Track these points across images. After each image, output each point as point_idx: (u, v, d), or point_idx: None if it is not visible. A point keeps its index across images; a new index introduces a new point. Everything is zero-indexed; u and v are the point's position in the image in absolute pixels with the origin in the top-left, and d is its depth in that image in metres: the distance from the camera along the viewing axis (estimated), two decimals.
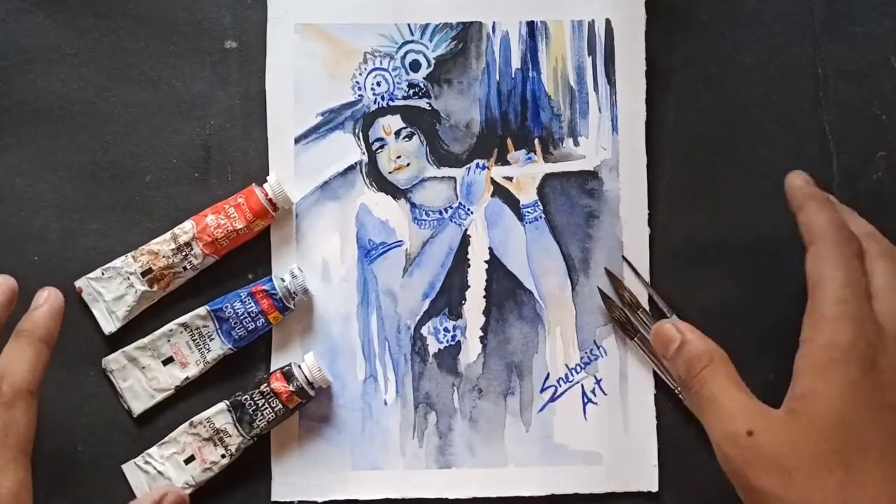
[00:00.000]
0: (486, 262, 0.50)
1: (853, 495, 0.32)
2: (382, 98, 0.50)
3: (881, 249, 0.39)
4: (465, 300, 0.49)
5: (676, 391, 0.48)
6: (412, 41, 0.50)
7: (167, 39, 0.50)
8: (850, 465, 0.33)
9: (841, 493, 0.33)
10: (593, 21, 0.50)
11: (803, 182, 0.41)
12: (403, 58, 0.50)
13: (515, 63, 0.50)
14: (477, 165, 0.50)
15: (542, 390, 0.49)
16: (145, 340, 0.48)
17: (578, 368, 0.49)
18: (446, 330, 0.49)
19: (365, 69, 0.50)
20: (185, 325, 0.48)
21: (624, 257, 0.49)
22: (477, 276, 0.50)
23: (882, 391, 0.34)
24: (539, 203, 0.50)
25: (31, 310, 0.41)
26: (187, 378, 0.48)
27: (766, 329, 0.49)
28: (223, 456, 0.47)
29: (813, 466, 0.33)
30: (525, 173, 0.50)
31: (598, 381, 0.49)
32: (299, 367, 0.47)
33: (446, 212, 0.50)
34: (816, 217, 0.39)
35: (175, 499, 0.41)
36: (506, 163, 0.50)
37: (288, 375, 0.47)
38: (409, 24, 0.50)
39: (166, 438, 0.47)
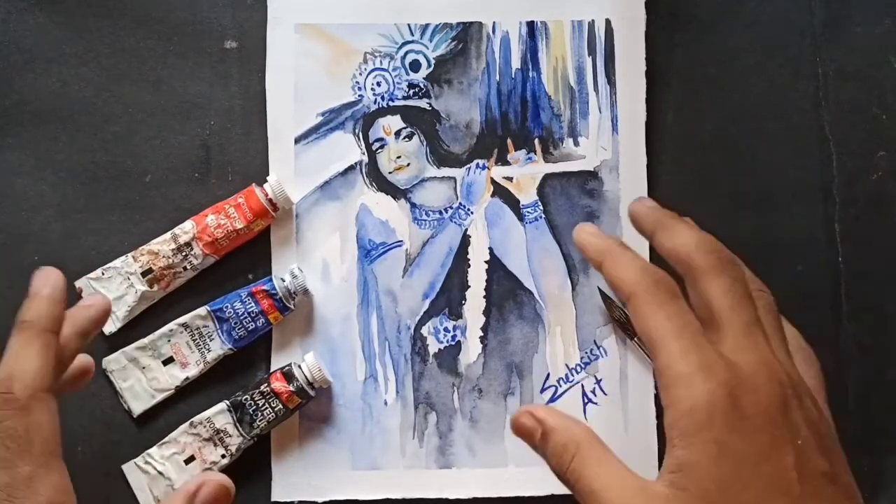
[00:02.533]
0: (486, 262, 0.50)
1: None
2: (382, 98, 0.50)
3: (708, 263, 0.35)
4: (466, 300, 0.49)
5: None
6: (412, 41, 0.50)
7: (167, 39, 0.50)
8: None
9: None
10: (593, 21, 0.50)
11: (591, 235, 0.37)
12: (403, 58, 0.50)
13: (515, 63, 0.50)
14: (477, 165, 0.50)
15: (543, 390, 0.49)
16: (145, 340, 0.48)
17: (578, 368, 0.49)
18: (446, 330, 0.49)
19: (365, 69, 0.50)
20: (185, 325, 0.48)
21: None
22: (477, 276, 0.50)
23: (752, 439, 0.32)
24: (539, 203, 0.50)
25: (31, 296, 0.37)
26: (187, 378, 0.48)
27: None
28: (223, 456, 0.47)
29: None
30: (525, 173, 0.50)
31: (598, 382, 0.49)
32: (299, 367, 0.47)
33: (446, 212, 0.50)
34: (616, 271, 0.35)
35: (213, 489, 0.38)
36: (506, 163, 0.50)
37: (288, 375, 0.47)
38: (409, 24, 0.50)
39: (166, 438, 0.47)
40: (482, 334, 0.49)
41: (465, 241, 0.50)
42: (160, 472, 0.47)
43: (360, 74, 0.50)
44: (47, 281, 0.37)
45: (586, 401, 0.49)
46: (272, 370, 0.48)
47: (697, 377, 0.32)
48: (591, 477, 0.34)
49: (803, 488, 0.31)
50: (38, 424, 0.34)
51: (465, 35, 0.50)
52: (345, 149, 0.50)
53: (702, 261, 0.35)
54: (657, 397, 0.49)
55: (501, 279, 0.50)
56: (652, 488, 0.32)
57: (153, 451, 0.47)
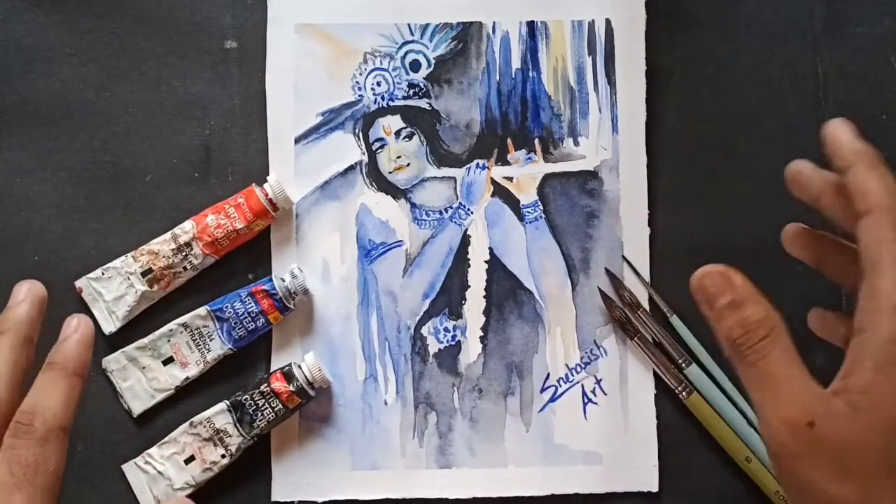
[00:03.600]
0: (486, 262, 0.50)
1: None
2: (382, 98, 0.50)
3: None
4: (466, 300, 0.49)
5: (676, 391, 0.48)
6: (412, 41, 0.50)
7: (167, 39, 0.50)
8: None
9: (893, 497, 0.31)
10: (593, 21, 0.50)
11: (849, 136, 0.35)
12: (403, 58, 0.50)
13: (515, 63, 0.50)
14: (477, 165, 0.50)
15: (543, 390, 0.49)
16: (145, 340, 0.48)
17: (578, 368, 0.49)
18: (446, 330, 0.49)
19: (365, 69, 0.50)
20: (185, 325, 0.48)
21: (624, 257, 0.49)
22: (477, 276, 0.50)
23: None
24: (539, 203, 0.50)
25: (60, 340, 0.38)
26: (187, 378, 0.48)
27: None
28: (223, 456, 0.47)
29: (870, 468, 0.31)
30: (525, 173, 0.50)
31: (598, 381, 0.49)
32: (299, 367, 0.47)
33: (446, 212, 0.50)
34: (870, 182, 0.33)
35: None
36: (506, 163, 0.50)
37: (288, 375, 0.47)
38: (409, 24, 0.50)
39: (166, 438, 0.47)
40: (482, 334, 0.49)
41: (465, 241, 0.50)
42: (160, 472, 0.47)
43: (360, 74, 0.50)
44: (77, 327, 0.38)
45: (586, 401, 0.49)
46: (272, 370, 0.48)
47: None
48: (778, 363, 0.33)
49: None
50: (46, 459, 0.35)
51: (465, 35, 0.50)
52: (345, 149, 0.50)
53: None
54: (657, 397, 0.49)
55: (501, 279, 0.50)
56: (834, 403, 0.32)
57: (153, 451, 0.47)
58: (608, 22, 0.50)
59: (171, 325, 0.48)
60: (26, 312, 0.37)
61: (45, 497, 0.34)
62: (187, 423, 0.47)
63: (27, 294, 0.37)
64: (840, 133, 0.35)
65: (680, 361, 0.48)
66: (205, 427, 0.47)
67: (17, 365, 0.36)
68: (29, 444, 0.34)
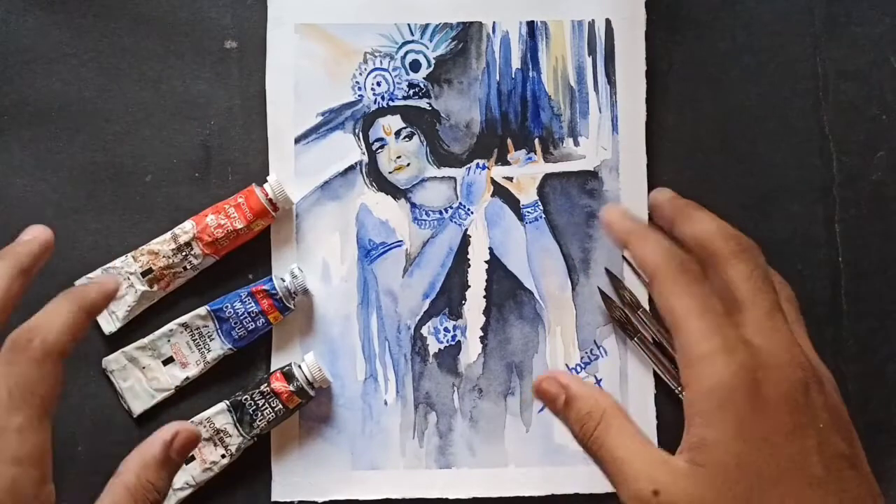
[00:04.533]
0: (486, 262, 0.50)
1: None
2: (382, 98, 0.50)
3: (729, 248, 0.36)
4: (466, 300, 0.49)
5: (677, 391, 0.48)
6: (412, 41, 0.50)
7: (167, 39, 0.50)
8: None
9: None
10: (593, 21, 0.50)
11: (619, 216, 0.39)
12: (403, 58, 0.50)
13: (515, 63, 0.50)
14: (477, 165, 0.50)
15: None
16: (145, 340, 0.48)
17: (578, 368, 0.49)
18: (446, 330, 0.49)
19: (365, 69, 0.50)
20: (185, 325, 0.48)
21: (624, 257, 0.49)
22: (477, 276, 0.50)
23: (773, 423, 0.32)
24: (539, 203, 0.50)
25: (86, 284, 0.39)
26: (187, 378, 0.48)
27: None
28: (223, 456, 0.47)
29: None
30: (525, 173, 0.50)
31: (598, 381, 0.49)
32: (299, 367, 0.47)
33: (446, 212, 0.50)
34: (642, 251, 0.37)
35: (187, 437, 0.39)
36: (506, 163, 0.50)
37: (288, 375, 0.47)
38: (409, 24, 0.50)
39: None
40: (482, 334, 0.49)
41: (465, 241, 0.50)
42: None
43: (360, 74, 0.50)
44: (100, 281, 0.39)
45: None
46: (272, 370, 0.48)
47: (719, 357, 0.33)
48: (615, 446, 0.34)
49: (824, 470, 0.32)
50: (43, 379, 0.35)
51: (465, 35, 0.50)
52: (345, 149, 0.50)
53: (723, 246, 0.36)
54: (657, 397, 0.49)
55: (501, 279, 0.50)
56: (674, 462, 0.33)
57: None
58: (608, 22, 0.50)
59: (171, 325, 0.48)
60: (27, 245, 0.38)
61: (43, 418, 0.35)
62: None
63: (34, 233, 0.39)
64: (610, 215, 0.39)
65: None
66: (205, 427, 0.47)
67: (9, 291, 0.36)
68: (27, 363, 0.35)
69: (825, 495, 0.32)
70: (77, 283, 0.48)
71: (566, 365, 0.49)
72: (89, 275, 0.48)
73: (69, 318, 0.36)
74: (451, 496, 0.48)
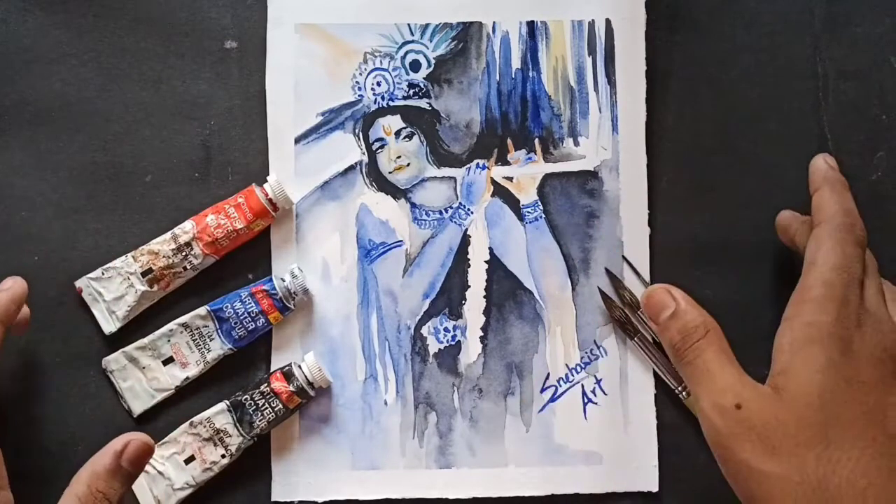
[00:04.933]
0: (486, 262, 0.50)
1: (829, 471, 0.33)
2: (382, 98, 0.50)
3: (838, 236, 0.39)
4: (466, 300, 0.49)
5: (677, 391, 0.48)
6: (412, 41, 0.50)
7: (167, 39, 0.50)
8: (828, 440, 0.34)
9: (819, 468, 0.33)
10: (593, 21, 0.50)
11: (826, 165, 0.42)
12: (403, 58, 0.50)
13: (515, 63, 0.50)
14: (477, 165, 0.50)
15: (543, 390, 0.49)
16: (145, 340, 0.48)
17: (578, 368, 0.49)
18: (446, 330, 0.49)
19: (365, 69, 0.50)
20: (185, 325, 0.48)
21: (624, 257, 0.49)
22: (477, 276, 0.50)
23: (858, 371, 0.35)
24: (539, 203, 0.50)
25: None
26: (187, 378, 0.48)
27: (766, 328, 0.49)
28: (223, 456, 0.47)
29: (794, 442, 0.34)
30: (525, 173, 0.50)
31: (598, 381, 0.49)
32: (299, 367, 0.47)
33: (446, 212, 0.50)
34: (827, 200, 0.40)
35: (138, 447, 0.39)
36: (506, 163, 0.50)
37: (288, 375, 0.47)
38: (409, 24, 0.50)
39: (166, 438, 0.47)
40: (482, 334, 0.49)
41: (465, 241, 0.50)
42: (160, 472, 0.47)
43: (360, 74, 0.50)
44: (11, 286, 0.43)
45: (586, 401, 0.49)
46: (272, 370, 0.48)
47: (828, 305, 0.36)
48: (712, 358, 0.37)
49: None
50: None
51: (465, 35, 0.50)
52: (345, 149, 0.50)
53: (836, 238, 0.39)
54: (657, 397, 0.49)
55: (501, 279, 0.50)
56: (760, 387, 0.36)
57: None
58: (608, 22, 0.50)
59: (171, 325, 0.48)
60: (4, 298, 0.41)
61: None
62: (187, 423, 0.47)
63: (8, 285, 0.42)
64: (818, 162, 0.43)
65: None
66: (205, 427, 0.47)
67: None
68: None
69: (893, 450, 0.34)
70: (77, 283, 0.48)
71: (566, 365, 0.49)
72: (90, 275, 0.48)
73: None
74: (451, 496, 0.48)
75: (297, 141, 0.50)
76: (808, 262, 0.38)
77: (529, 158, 0.50)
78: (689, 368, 0.38)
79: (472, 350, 0.49)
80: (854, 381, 0.35)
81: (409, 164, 0.50)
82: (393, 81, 0.50)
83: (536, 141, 0.50)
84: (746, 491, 0.35)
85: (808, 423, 0.34)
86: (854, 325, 0.36)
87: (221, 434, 0.47)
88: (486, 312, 0.49)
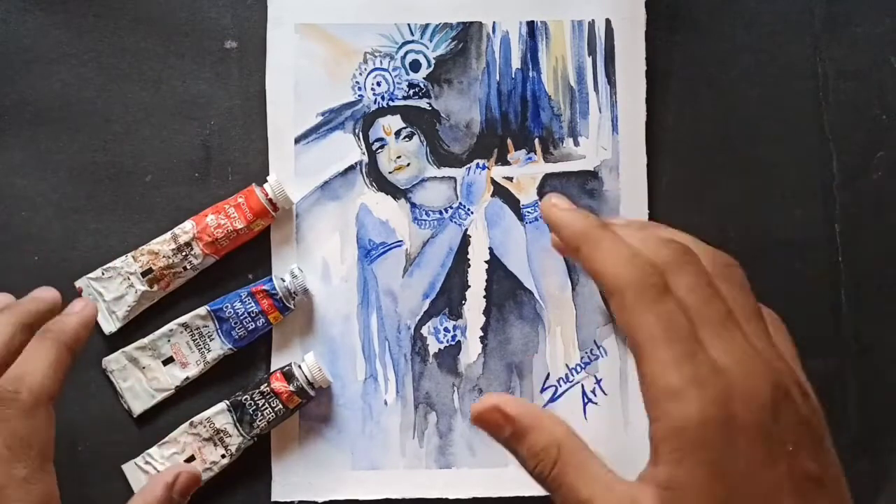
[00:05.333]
0: (486, 262, 0.50)
1: None
2: (382, 98, 0.50)
3: (667, 259, 0.32)
4: (466, 300, 0.49)
5: None
6: (412, 41, 0.50)
7: (167, 39, 0.50)
8: None
9: None
10: (593, 21, 0.50)
11: (567, 212, 0.33)
12: (403, 58, 0.50)
13: (515, 63, 0.50)
14: (477, 165, 0.50)
15: (543, 390, 0.49)
16: (145, 340, 0.48)
17: (578, 368, 0.49)
18: (446, 330, 0.49)
19: (365, 69, 0.50)
20: (185, 325, 0.48)
21: None
22: (477, 276, 0.50)
23: (746, 455, 0.30)
24: (539, 203, 0.50)
25: (61, 315, 0.39)
26: (187, 378, 0.48)
27: None
28: (223, 456, 0.47)
29: None
30: (525, 173, 0.50)
31: (598, 381, 0.49)
32: (299, 367, 0.47)
33: (446, 212, 0.50)
34: (597, 262, 0.32)
35: (188, 479, 0.40)
36: (506, 163, 0.50)
37: (288, 375, 0.47)
38: (409, 24, 0.50)
39: (166, 438, 0.47)
40: (482, 334, 0.49)
41: (466, 241, 0.50)
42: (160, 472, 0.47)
43: (360, 74, 0.50)
44: (83, 309, 0.39)
45: (586, 401, 0.49)
46: (272, 370, 0.48)
47: (690, 392, 0.29)
48: (577, 486, 0.32)
49: (795, 497, 0.30)
50: (37, 429, 0.35)
51: (465, 35, 0.50)
52: (345, 149, 0.50)
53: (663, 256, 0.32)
54: None
55: (501, 279, 0.50)
56: (641, 497, 0.30)
57: (153, 451, 0.47)
58: (608, 22, 0.50)
59: (171, 325, 0.48)
60: (34, 303, 0.38)
61: (44, 465, 0.35)
62: (187, 423, 0.47)
63: (41, 293, 0.39)
64: (556, 213, 0.33)
65: None
66: (205, 427, 0.47)
67: (9, 345, 0.36)
68: (19, 416, 0.35)
69: None
70: (77, 283, 0.48)
71: (566, 365, 0.49)
72: (89, 275, 0.48)
73: (52, 359, 0.36)
74: (451, 496, 0.48)
75: (297, 141, 0.50)
76: (633, 348, 0.31)
77: (529, 158, 0.50)
78: (558, 497, 0.33)
79: (472, 350, 0.49)
80: (743, 475, 0.30)
81: (409, 164, 0.50)
82: (393, 81, 0.50)
83: (536, 141, 0.50)
84: None
85: None
86: (724, 393, 0.30)
87: (221, 434, 0.47)
88: (486, 312, 0.49)
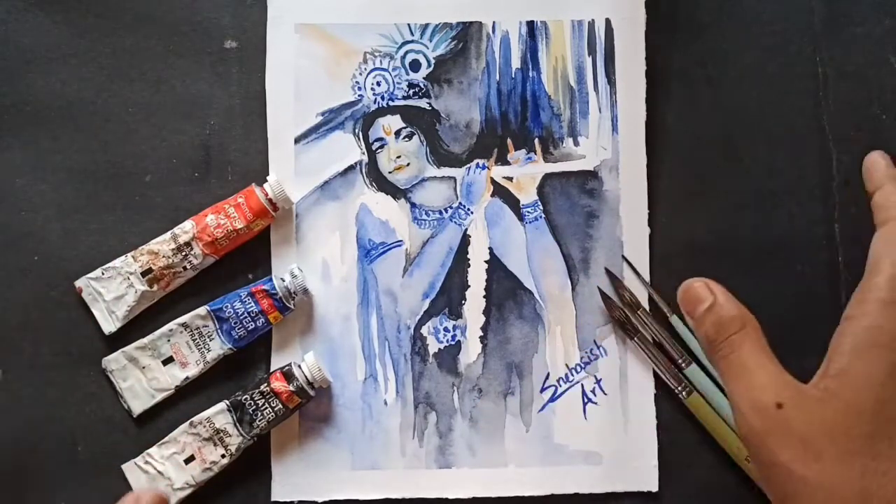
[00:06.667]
0: (486, 261, 0.50)
1: (874, 484, 0.32)
2: (382, 98, 0.50)
3: None
4: (465, 300, 0.49)
5: (676, 391, 0.48)
6: (412, 41, 0.50)
7: (167, 39, 0.50)
8: (876, 452, 0.32)
9: (864, 480, 0.32)
10: (593, 21, 0.50)
11: (884, 162, 0.40)
12: (403, 58, 0.50)
13: (515, 63, 0.50)
14: (477, 165, 0.50)
15: (542, 390, 0.49)
16: (145, 340, 0.48)
17: (578, 368, 0.49)
18: (446, 330, 0.49)
19: (365, 69, 0.50)
20: (185, 325, 0.48)
21: (624, 257, 0.49)
22: (477, 276, 0.50)
23: None
24: (539, 203, 0.50)
25: None
26: (187, 378, 0.48)
27: (766, 329, 0.49)
28: (223, 456, 0.47)
29: (840, 449, 0.32)
30: (525, 173, 0.50)
31: (598, 381, 0.49)
32: (299, 367, 0.47)
33: (446, 212, 0.50)
34: (892, 197, 0.37)
35: (152, 499, 0.40)
36: (506, 163, 0.50)
37: (288, 375, 0.47)
38: (409, 24, 0.50)
39: (166, 438, 0.47)
40: (482, 334, 0.49)
41: (465, 240, 0.50)
42: (160, 472, 0.47)
43: (360, 74, 0.50)
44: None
45: (586, 400, 0.49)
46: (272, 370, 0.48)
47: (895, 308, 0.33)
48: (748, 352, 0.35)
49: None
50: None
51: (465, 35, 0.50)
52: (345, 149, 0.50)
53: None
54: (657, 397, 0.49)
55: (501, 279, 0.50)
56: (804, 388, 0.34)
57: (153, 450, 0.47)
58: (608, 22, 0.50)
59: (171, 325, 0.48)
60: None
61: None
62: (187, 423, 0.47)
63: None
64: (877, 159, 0.40)
65: (680, 361, 0.48)
66: (205, 427, 0.47)
67: None
68: None
69: None
70: (77, 283, 0.48)
71: (566, 365, 0.49)
72: (89, 275, 0.48)
73: None
74: (451, 496, 0.48)
75: (297, 141, 0.50)
76: (872, 261, 0.36)
77: (529, 158, 0.50)
78: (724, 363, 0.36)
79: (471, 350, 0.49)
80: None
81: (408, 164, 0.50)
82: (393, 81, 0.50)
83: (536, 141, 0.50)
84: (781, 493, 0.33)
85: (857, 433, 0.32)
86: None
87: (221, 434, 0.47)
88: (486, 312, 0.49)
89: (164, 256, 0.48)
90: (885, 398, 0.32)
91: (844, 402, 0.33)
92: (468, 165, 0.50)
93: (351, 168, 0.50)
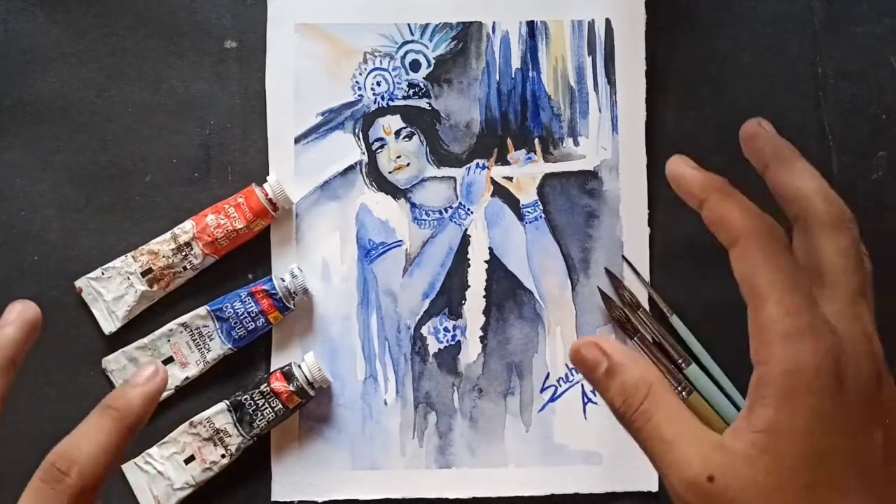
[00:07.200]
0: (486, 261, 0.50)
1: None
2: (382, 98, 0.50)
3: (829, 215, 0.33)
4: (465, 300, 0.49)
5: (677, 391, 0.48)
6: (412, 41, 0.50)
7: (167, 39, 0.50)
8: (821, 500, 0.29)
9: None
10: (593, 21, 0.50)
11: (693, 168, 0.35)
12: (403, 58, 0.50)
13: (515, 63, 0.50)
14: (477, 165, 0.50)
15: (542, 390, 0.49)
16: (145, 340, 0.48)
17: None
18: (446, 330, 0.49)
19: (365, 69, 0.50)
20: (185, 325, 0.48)
21: (624, 257, 0.49)
22: (477, 276, 0.50)
23: (849, 412, 0.30)
24: (539, 203, 0.50)
25: (127, 385, 0.35)
26: (187, 378, 0.48)
27: None
28: (223, 456, 0.47)
29: None
30: (525, 173, 0.50)
31: None
32: (299, 367, 0.47)
33: (446, 212, 0.50)
34: (725, 211, 0.33)
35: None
36: (506, 163, 0.50)
37: (288, 375, 0.47)
38: (409, 24, 0.50)
39: (166, 438, 0.47)
40: (482, 334, 0.49)
41: (465, 240, 0.50)
42: (160, 472, 0.47)
43: (360, 74, 0.50)
44: (149, 379, 0.35)
45: (586, 400, 0.49)
46: (272, 370, 0.48)
47: (806, 338, 0.30)
48: (664, 422, 0.31)
49: (886, 469, 0.30)
50: None
51: (465, 35, 0.50)
52: (345, 149, 0.50)
53: (823, 211, 0.33)
54: None
55: (501, 279, 0.50)
56: (731, 446, 0.30)
57: (153, 450, 0.47)
58: (608, 22, 0.50)
59: (171, 325, 0.48)
60: (11, 335, 0.34)
61: None
62: (187, 423, 0.47)
63: (17, 316, 0.34)
64: (683, 168, 0.35)
65: (679, 361, 0.48)
66: (205, 427, 0.47)
67: (117, 448, 0.33)
68: (60, 498, 0.32)
69: (883, 495, 0.30)
70: (77, 283, 0.48)
71: (566, 365, 0.49)
72: (89, 275, 0.48)
73: (109, 443, 0.33)
74: (451, 496, 0.48)
75: (297, 141, 0.50)
76: (750, 292, 0.32)
77: (529, 158, 0.50)
78: (640, 436, 0.32)
79: (471, 350, 0.49)
80: (843, 431, 0.30)
81: (408, 164, 0.50)
82: (393, 81, 0.50)
83: (536, 141, 0.50)
84: None
85: (794, 487, 0.30)
86: (837, 351, 0.30)
87: (221, 434, 0.47)
88: (486, 312, 0.49)
89: (164, 256, 0.48)
90: (817, 443, 0.30)
91: (776, 458, 0.30)
92: (468, 165, 0.50)
93: (351, 168, 0.50)
